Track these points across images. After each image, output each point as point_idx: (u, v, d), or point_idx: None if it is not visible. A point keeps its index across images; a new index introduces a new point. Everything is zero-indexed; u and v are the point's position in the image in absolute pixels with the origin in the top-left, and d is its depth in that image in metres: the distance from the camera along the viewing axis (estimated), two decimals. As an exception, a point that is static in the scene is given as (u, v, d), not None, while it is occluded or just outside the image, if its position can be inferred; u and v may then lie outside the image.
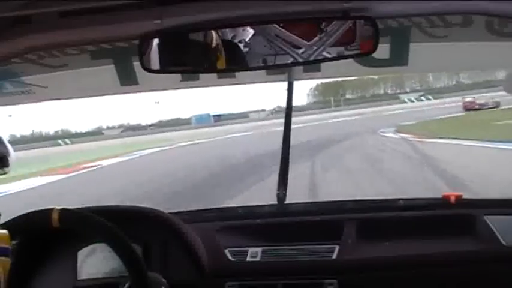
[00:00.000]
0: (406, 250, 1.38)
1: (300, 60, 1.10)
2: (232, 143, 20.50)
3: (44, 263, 1.35)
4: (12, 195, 9.71)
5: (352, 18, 1.07)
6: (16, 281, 1.22)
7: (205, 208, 1.81)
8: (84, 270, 1.32)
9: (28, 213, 1.13)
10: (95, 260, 1.31)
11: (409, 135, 14.18)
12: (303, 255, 1.41)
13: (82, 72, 1.63)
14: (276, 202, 1.72)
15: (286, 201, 1.71)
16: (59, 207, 1.10)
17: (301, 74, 1.74)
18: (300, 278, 1.34)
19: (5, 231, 0.94)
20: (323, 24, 1.07)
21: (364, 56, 1.25)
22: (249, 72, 1.41)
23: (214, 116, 53.02)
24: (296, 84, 1.75)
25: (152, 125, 55.70)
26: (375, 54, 1.19)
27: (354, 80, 50.92)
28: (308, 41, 1.09)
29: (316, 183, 7.99)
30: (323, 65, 1.57)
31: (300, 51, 1.09)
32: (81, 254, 1.33)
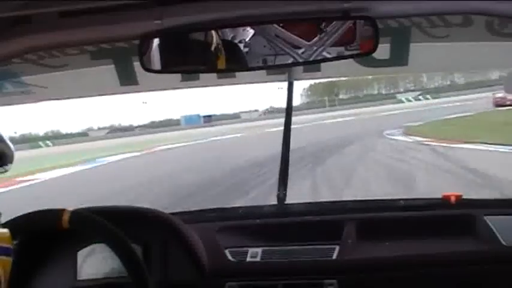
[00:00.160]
0: (406, 250, 1.38)
1: (300, 60, 1.11)
2: (218, 147, 18.65)
3: (44, 263, 1.34)
4: None
5: (352, 18, 1.07)
6: (17, 280, 1.22)
7: (205, 208, 1.81)
8: (84, 270, 1.32)
9: (35, 212, 1.12)
10: (95, 260, 1.31)
11: (423, 139, 12.52)
12: (303, 255, 1.40)
13: (82, 72, 1.63)
14: (276, 202, 1.72)
15: (286, 202, 1.72)
16: (70, 209, 1.10)
17: (301, 74, 1.74)
18: (300, 278, 1.33)
19: (6, 230, 0.94)
20: (323, 24, 1.08)
21: (364, 56, 1.25)
22: (249, 72, 1.41)
23: (204, 116, 52.44)
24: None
25: (139, 126, 54.42)
26: (375, 54, 1.20)
27: (348, 79, 50.74)
28: (308, 41, 1.09)
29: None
30: (323, 65, 1.57)
31: (300, 51, 1.10)
32: (81, 254, 1.32)
